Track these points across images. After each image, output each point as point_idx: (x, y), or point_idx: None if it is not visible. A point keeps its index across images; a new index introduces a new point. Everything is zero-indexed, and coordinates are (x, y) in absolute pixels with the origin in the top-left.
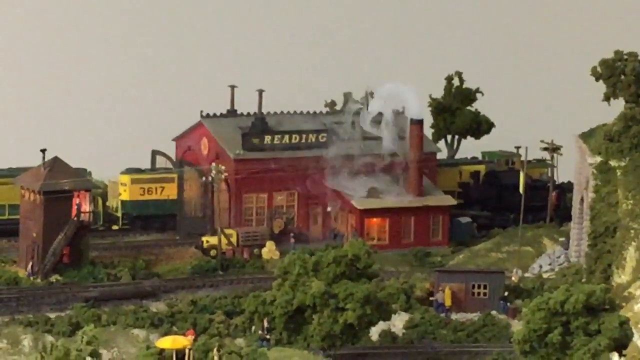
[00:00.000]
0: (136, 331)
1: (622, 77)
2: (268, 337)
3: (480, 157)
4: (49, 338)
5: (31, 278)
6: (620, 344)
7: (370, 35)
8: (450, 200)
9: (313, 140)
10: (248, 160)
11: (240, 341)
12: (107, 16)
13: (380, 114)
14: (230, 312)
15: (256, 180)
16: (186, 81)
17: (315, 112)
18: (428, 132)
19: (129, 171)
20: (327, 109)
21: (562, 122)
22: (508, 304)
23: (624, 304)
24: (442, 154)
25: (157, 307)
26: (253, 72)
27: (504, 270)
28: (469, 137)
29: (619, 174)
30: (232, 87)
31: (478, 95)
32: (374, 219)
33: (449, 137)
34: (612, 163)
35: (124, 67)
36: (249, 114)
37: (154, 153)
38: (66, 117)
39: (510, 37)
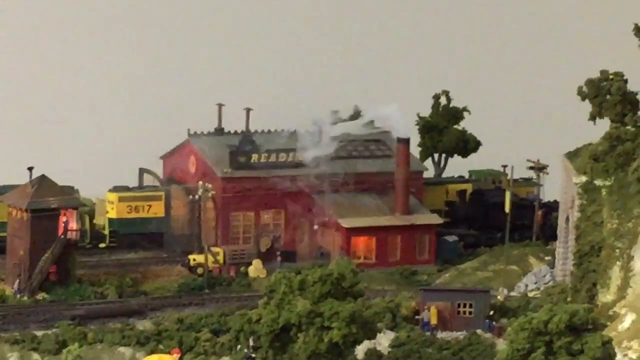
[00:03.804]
0: (122, 349)
1: (608, 96)
2: (254, 355)
3: (467, 176)
4: (35, 356)
5: (18, 296)
6: None
7: (358, 53)
8: (437, 219)
9: (300, 158)
10: (235, 178)
11: (226, 359)
12: (95, 34)
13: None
14: (217, 331)
15: (243, 198)
16: (174, 99)
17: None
18: (415, 150)
19: (116, 189)
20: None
21: (549, 142)
22: (493, 322)
23: (608, 323)
24: (429, 173)
25: (144, 325)
26: (240, 91)
27: (489, 290)
28: (456, 155)
29: (604, 193)
30: (220, 105)
31: (465, 114)
32: (361, 237)
33: (436, 156)
34: (598, 182)
35: (111, 86)
36: (236, 132)
37: (142, 171)
38: (53, 135)
39: (497, 57)
